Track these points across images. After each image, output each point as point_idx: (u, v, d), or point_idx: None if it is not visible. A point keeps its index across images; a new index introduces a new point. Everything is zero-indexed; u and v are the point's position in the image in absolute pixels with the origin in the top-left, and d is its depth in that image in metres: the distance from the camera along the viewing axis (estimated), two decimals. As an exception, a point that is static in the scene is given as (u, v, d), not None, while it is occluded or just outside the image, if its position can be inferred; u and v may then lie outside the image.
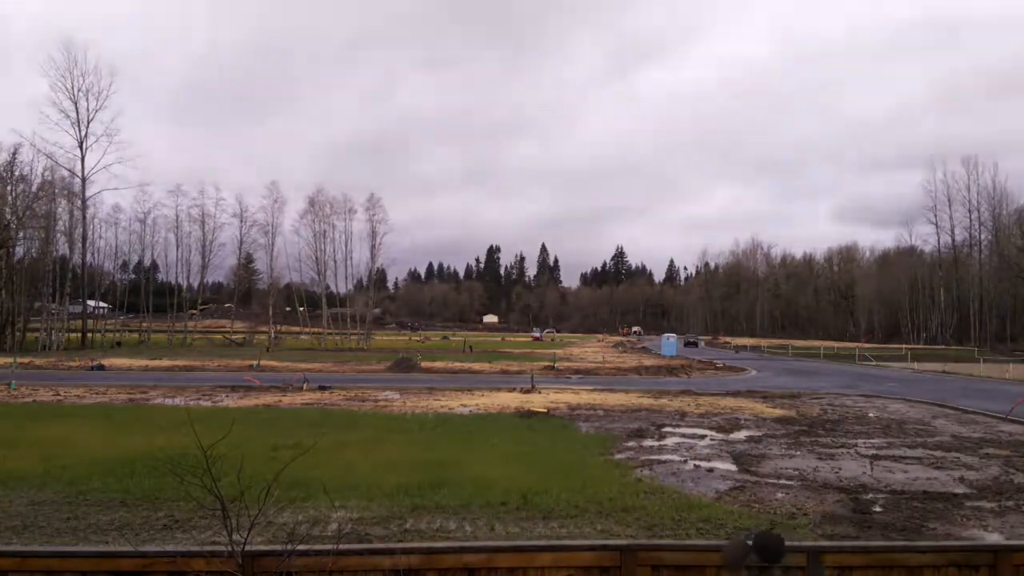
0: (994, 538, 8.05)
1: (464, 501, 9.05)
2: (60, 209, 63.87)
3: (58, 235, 63.55)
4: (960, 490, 10.44)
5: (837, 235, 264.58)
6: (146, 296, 74.83)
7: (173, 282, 79.48)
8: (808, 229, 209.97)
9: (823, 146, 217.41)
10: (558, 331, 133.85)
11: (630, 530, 8.01)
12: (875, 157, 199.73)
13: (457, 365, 40.94)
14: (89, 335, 66.09)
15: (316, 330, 79.56)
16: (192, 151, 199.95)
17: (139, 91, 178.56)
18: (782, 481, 10.97)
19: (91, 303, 73.76)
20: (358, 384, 27.96)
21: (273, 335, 74.82)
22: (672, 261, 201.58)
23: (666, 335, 70.01)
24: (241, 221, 75.86)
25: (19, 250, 60.80)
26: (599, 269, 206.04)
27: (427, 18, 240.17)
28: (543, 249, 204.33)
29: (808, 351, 66.63)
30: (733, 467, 12.06)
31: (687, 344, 79.01)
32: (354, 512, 8.57)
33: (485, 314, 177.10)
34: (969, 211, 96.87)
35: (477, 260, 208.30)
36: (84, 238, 65.82)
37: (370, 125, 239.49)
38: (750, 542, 3.39)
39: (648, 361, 47.95)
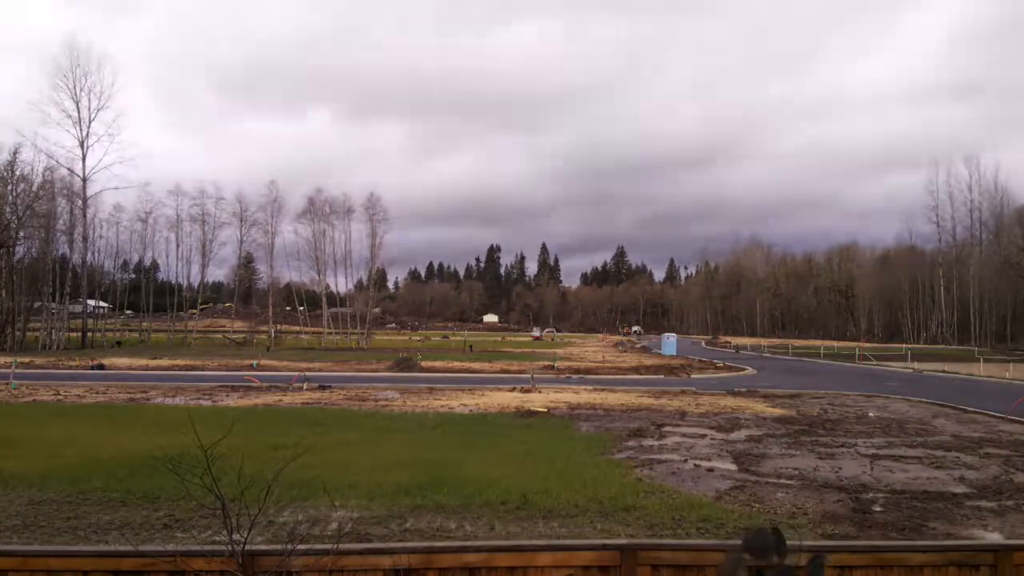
0: (994, 537, 8.05)
1: (464, 500, 9.05)
2: (60, 209, 63.98)
3: (58, 235, 63.59)
4: (960, 489, 10.44)
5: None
6: (146, 296, 74.91)
7: (173, 282, 79.68)
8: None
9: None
10: (558, 330, 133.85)
11: (630, 529, 8.01)
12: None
13: (457, 365, 40.94)
14: (89, 335, 66.13)
15: (316, 330, 79.58)
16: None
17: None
18: (782, 481, 10.97)
19: (91, 303, 73.77)
20: (358, 384, 27.96)
21: (273, 335, 74.86)
22: (672, 260, 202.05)
23: (666, 334, 70.02)
24: (241, 221, 75.92)
25: (19, 250, 60.86)
26: (599, 268, 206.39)
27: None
28: (543, 249, 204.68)
29: (808, 350, 66.58)
30: (733, 466, 12.06)
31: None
32: (354, 511, 8.58)
33: (485, 314, 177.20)
34: (970, 210, 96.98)
35: (477, 260, 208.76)
36: (84, 238, 65.82)
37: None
38: (741, 543, 3.38)
39: (648, 360, 47.95)
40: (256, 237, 76.70)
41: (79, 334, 64.38)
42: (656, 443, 14.29)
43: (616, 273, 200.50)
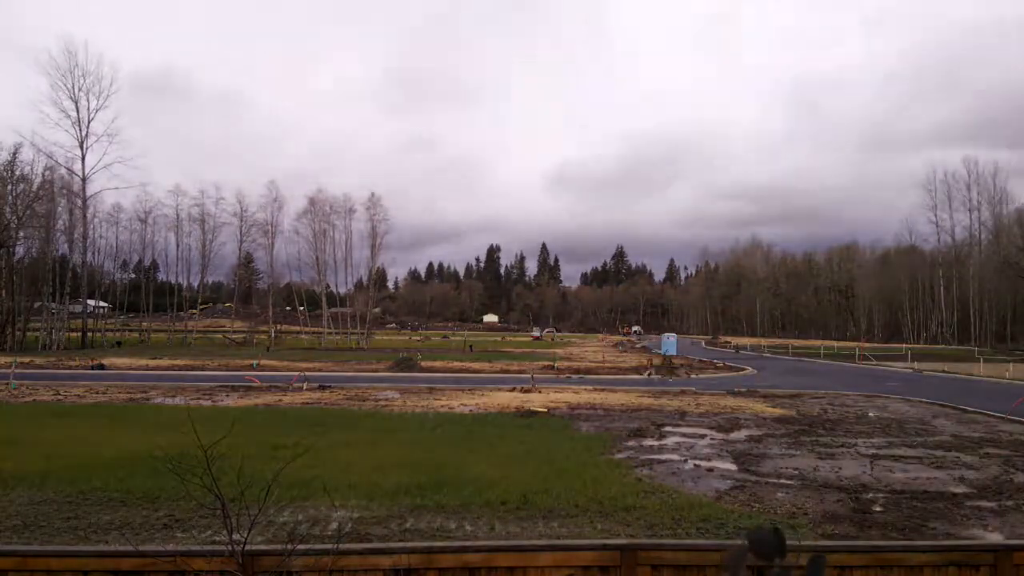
0: (994, 537, 8.05)
1: (464, 500, 9.05)
2: (60, 209, 63.96)
3: (58, 235, 63.59)
4: (960, 489, 10.44)
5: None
6: (146, 296, 74.93)
7: (173, 282, 79.77)
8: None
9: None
10: (558, 330, 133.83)
11: (630, 529, 8.01)
12: None
13: (457, 365, 40.94)
14: (89, 335, 66.11)
15: (316, 330, 79.53)
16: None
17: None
18: (782, 480, 10.97)
19: (91, 303, 73.77)
20: (358, 384, 27.96)
21: (273, 335, 74.87)
22: (672, 260, 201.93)
23: (666, 334, 69.91)
24: (241, 220, 75.91)
25: (19, 250, 60.89)
26: (599, 268, 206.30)
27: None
28: (543, 248, 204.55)
29: (808, 350, 66.55)
30: (733, 466, 12.06)
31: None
32: (354, 511, 8.58)
33: (485, 314, 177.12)
34: (969, 210, 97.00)
35: (477, 260, 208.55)
36: (84, 238, 65.82)
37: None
38: (746, 541, 3.37)
39: (648, 360, 47.86)
40: (256, 237, 76.79)
41: (79, 334, 64.37)
42: (656, 443, 14.29)
43: (616, 273, 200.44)
